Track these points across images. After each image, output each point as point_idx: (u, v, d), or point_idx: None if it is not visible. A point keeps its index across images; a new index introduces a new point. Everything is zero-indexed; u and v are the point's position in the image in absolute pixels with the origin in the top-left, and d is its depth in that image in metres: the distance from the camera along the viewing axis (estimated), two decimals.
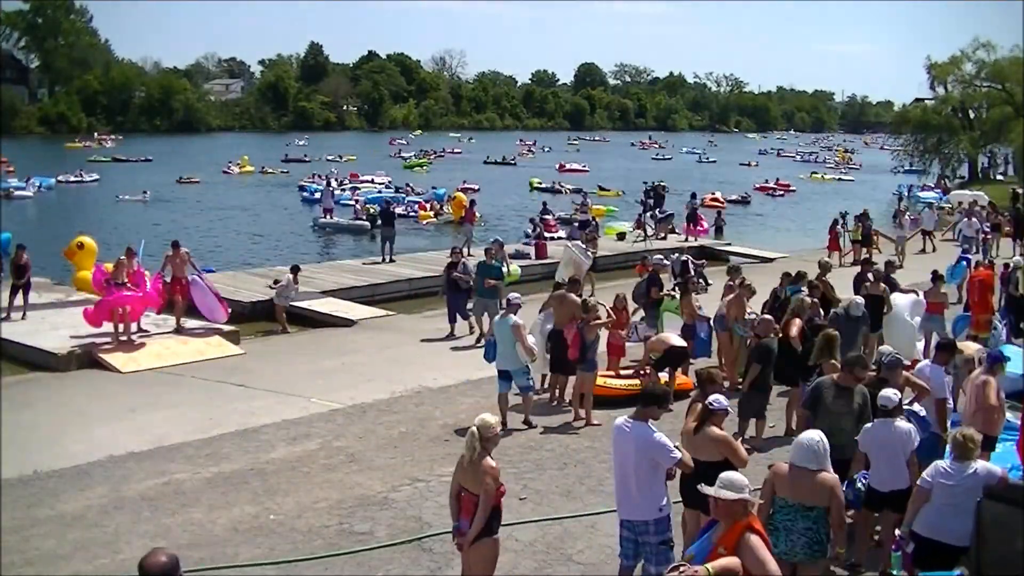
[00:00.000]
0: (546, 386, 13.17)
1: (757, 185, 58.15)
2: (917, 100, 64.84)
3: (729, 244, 30.13)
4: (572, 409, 12.11)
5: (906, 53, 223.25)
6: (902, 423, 7.40)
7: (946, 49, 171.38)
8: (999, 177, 60.66)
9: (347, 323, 18.55)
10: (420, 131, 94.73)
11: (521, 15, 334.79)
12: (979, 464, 6.61)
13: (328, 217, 36.05)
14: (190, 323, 17.49)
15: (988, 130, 57.88)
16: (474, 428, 6.37)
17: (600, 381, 12.48)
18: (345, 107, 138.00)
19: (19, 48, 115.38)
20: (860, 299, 13.16)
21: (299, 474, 10.03)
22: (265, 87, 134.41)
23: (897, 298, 14.60)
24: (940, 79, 59.03)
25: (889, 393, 7.52)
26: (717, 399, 7.24)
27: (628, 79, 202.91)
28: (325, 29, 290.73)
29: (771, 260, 26.37)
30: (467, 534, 6.34)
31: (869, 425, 7.49)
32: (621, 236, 30.50)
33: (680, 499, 7.33)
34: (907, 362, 9.87)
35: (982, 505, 6.75)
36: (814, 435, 6.40)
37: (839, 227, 28.78)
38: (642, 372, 13.16)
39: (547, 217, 31.20)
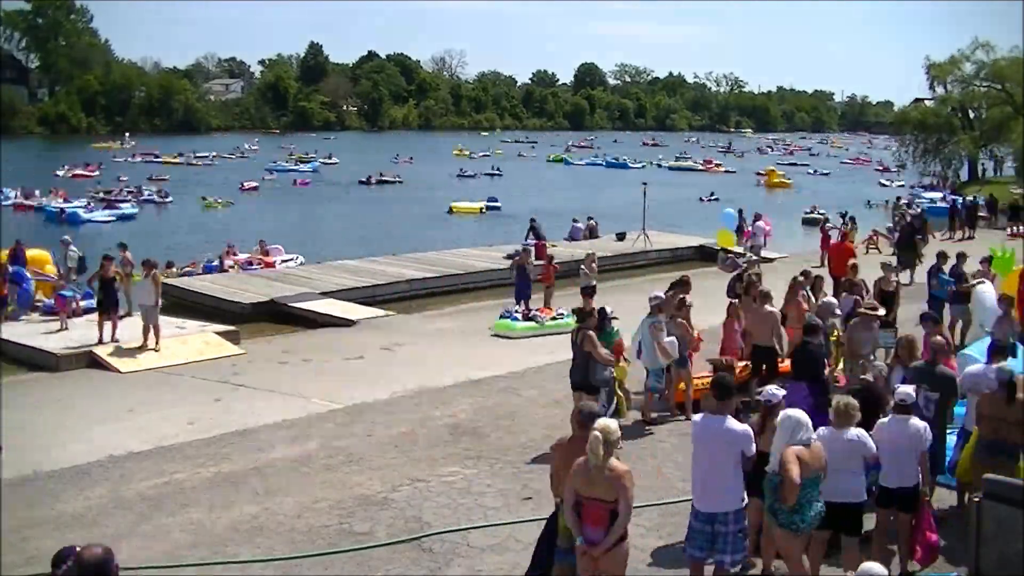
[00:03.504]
0: None
1: None
2: (917, 100, 64.85)
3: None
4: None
5: (906, 53, 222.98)
6: (916, 421, 7.40)
7: (946, 49, 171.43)
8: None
9: (347, 323, 18.57)
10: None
11: (521, 15, 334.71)
12: (854, 431, 6.96)
13: None
14: (189, 323, 17.51)
15: (988, 130, 57.83)
16: (596, 432, 6.08)
17: None
18: (345, 107, 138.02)
19: (19, 48, 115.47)
20: (832, 300, 13.23)
21: (299, 474, 10.03)
22: (265, 87, 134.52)
23: (983, 286, 14.86)
24: (939, 79, 58.96)
25: (908, 389, 7.57)
26: (770, 391, 7.35)
27: (628, 79, 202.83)
28: (325, 29, 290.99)
29: (771, 260, 26.39)
30: (604, 542, 6.07)
31: (884, 420, 7.50)
32: (620, 236, 30.52)
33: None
34: None
35: (982, 505, 6.77)
36: (798, 412, 6.79)
37: (828, 226, 28.78)
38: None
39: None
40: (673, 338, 11.83)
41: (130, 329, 16.95)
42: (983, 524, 6.75)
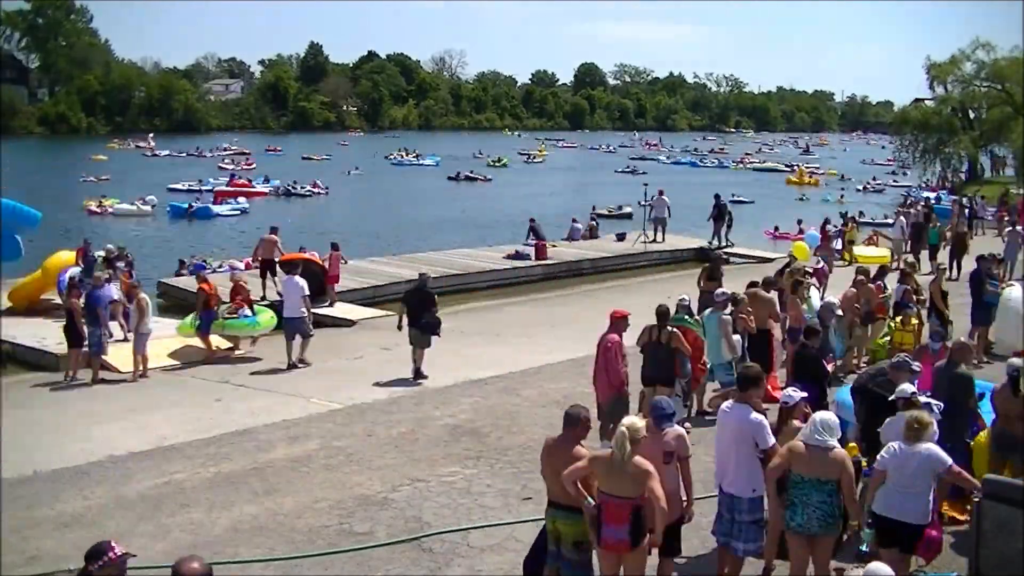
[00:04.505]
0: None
1: None
2: (917, 100, 64.77)
3: (730, 244, 30.21)
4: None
5: (906, 53, 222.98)
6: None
7: (946, 49, 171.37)
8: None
9: (347, 323, 18.56)
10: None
11: (521, 15, 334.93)
12: (926, 446, 6.71)
13: None
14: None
15: (988, 130, 57.81)
16: (623, 428, 6.20)
17: None
18: (345, 107, 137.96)
19: (19, 48, 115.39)
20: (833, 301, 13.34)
21: (299, 474, 10.03)
22: (265, 87, 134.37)
23: (1012, 290, 15.29)
24: (939, 79, 58.93)
25: (909, 387, 7.77)
26: (787, 394, 7.46)
27: (628, 79, 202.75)
28: (325, 29, 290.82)
29: (770, 260, 26.39)
30: (630, 540, 6.14)
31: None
32: (621, 237, 30.54)
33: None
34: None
35: (982, 505, 6.76)
36: (829, 415, 6.74)
37: (829, 226, 28.74)
38: None
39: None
40: (738, 335, 12.06)
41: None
42: (983, 524, 6.75)
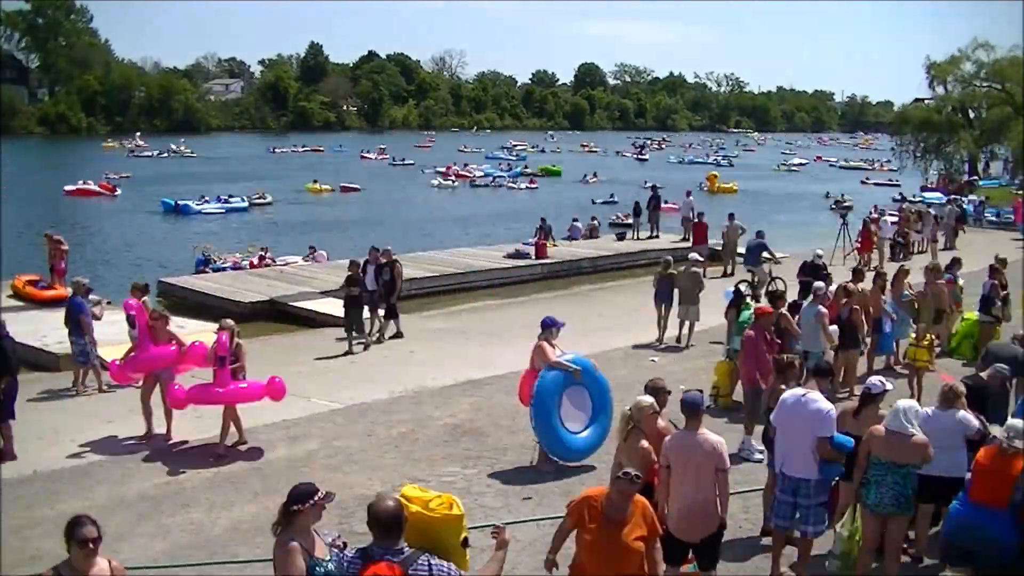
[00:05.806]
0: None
1: None
2: (917, 100, 64.73)
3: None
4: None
5: (906, 53, 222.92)
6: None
7: (946, 49, 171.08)
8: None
9: None
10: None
11: (521, 15, 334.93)
12: (958, 412, 7.55)
13: None
14: (189, 323, 17.49)
15: (988, 130, 57.77)
16: (625, 408, 6.65)
17: None
18: (345, 107, 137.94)
19: (19, 48, 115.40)
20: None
21: (299, 474, 9.99)
22: (265, 87, 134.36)
23: None
24: (940, 79, 58.89)
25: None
26: (875, 382, 7.66)
27: (628, 79, 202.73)
28: (325, 29, 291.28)
29: (777, 261, 26.35)
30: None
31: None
32: (621, 236, 30.54)
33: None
34: None
35: None
36: (911, 403, 7.18)
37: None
38: None
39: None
40: (835, 326, 12.60)
41: (119, 325, 16.87)
42: None
